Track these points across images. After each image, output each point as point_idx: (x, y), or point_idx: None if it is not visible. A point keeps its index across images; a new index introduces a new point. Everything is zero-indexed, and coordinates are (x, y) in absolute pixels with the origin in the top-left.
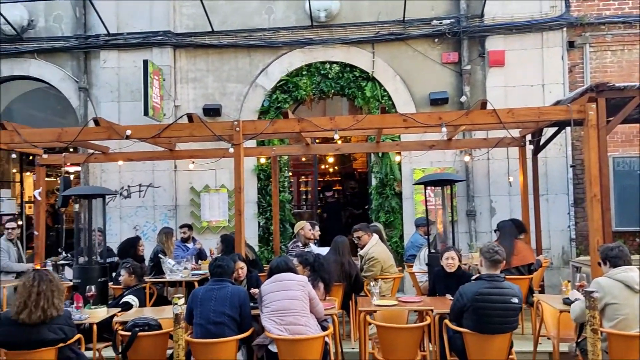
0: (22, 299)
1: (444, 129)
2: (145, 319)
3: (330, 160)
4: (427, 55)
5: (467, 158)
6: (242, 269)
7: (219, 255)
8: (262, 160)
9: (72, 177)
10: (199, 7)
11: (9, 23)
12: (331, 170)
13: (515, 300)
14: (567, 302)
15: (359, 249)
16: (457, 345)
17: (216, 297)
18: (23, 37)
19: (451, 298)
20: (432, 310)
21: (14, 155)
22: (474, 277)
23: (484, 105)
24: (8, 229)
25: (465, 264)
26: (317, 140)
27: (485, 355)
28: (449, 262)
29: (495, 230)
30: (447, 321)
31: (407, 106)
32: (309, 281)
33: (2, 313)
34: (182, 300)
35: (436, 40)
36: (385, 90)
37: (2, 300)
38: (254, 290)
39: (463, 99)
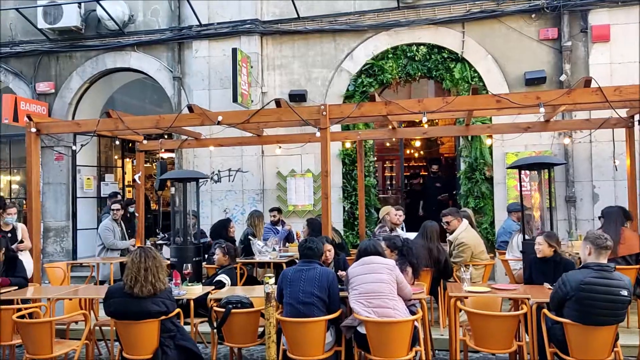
0: (132, 275)
1: (542, 110)
2: (238, 297)
3: (416, 144)
4: (523, 33)
5: (566, 140)
6: (329, 251)
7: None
8: (347, 145)
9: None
10: None
11: (112, 19)
12: (417, 155)
13: (625, 292)
14: None
15: (447, 234)
16: (557, 337)
17: (305, 278)
18: (124, 31)
19: (550, 287)
20: (528, 299)
21: (117, 142)
22: (580, 266)
23: (587, 83)
24: (113, 209)
25: (565, 253)
26: (403, 124)
27: (588, 348)
28: (536, 246)
29: (599, 217)
30: (546, 310)
31: (500, 87)
32: (397, 265)
33: (113, 286)
34: (273, 280)
35: (533, 15)
36: (475, 71)
37: (110, 275)
38: (341, 273)
39: (563, 77)
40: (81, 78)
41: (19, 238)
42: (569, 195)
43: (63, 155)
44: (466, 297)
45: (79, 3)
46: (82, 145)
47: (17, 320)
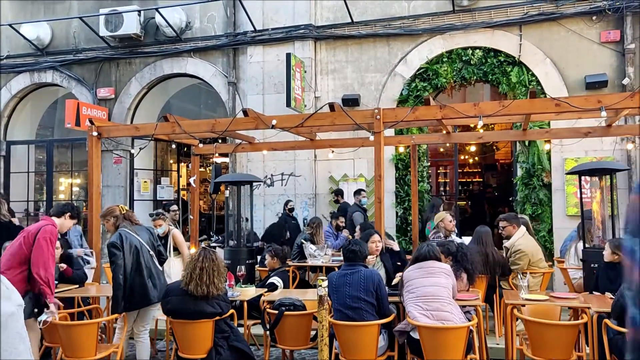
0: (189, 272)
1: (604, 113)
2: (291, 299)
3: (471, 149)
4: (583, 35)
5: (629, 146)
6: (379, 241)
7: None
8: (401, 150)
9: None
10: None
11: (170, 26)
12: (471, 160)
13: None
14: None
15: (504, 241)
16: (619, 348)
17: (350, 283)
18: (181, 37)
19: (612, 297)
20: (589, 308)
21: (173, 146)
22: None
23: None
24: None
25: None
26: (458, 129)
27: None
28: (603, 251)
29: None
30: (607, 320)
31: (559, 91)
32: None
33: (172, 284)
34: (326, 283)
35: (594, 17)
36: (533, 75)
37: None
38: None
39: (626, 81)
40: (140, 84)
41: (169, 245)
42: None
43: (122, 158)
44: (523, 305)
45: (139, 11)
46: (140, 149)
47: (60, 323)
